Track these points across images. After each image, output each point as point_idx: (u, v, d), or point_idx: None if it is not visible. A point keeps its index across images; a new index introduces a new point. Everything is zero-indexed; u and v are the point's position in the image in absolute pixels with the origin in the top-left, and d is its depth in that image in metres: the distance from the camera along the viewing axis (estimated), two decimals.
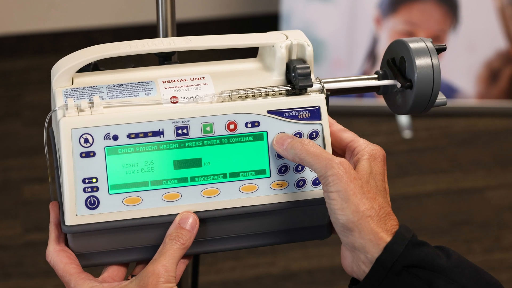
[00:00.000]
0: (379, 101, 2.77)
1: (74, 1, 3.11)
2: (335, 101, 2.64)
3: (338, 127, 0.88)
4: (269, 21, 3.05)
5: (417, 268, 0.78)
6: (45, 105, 2.79)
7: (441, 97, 0.89)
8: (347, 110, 2.77)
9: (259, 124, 0.85)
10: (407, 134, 2.73)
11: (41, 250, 2.20)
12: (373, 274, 0.79)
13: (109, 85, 0.85)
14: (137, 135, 0.82)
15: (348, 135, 0.87)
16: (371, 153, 0.84)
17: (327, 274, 2.17)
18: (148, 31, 3.09)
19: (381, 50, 2.73)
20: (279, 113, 0.85)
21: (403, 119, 2.75)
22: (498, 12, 2.71)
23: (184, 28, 3.06)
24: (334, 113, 0.88)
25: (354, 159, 0.85)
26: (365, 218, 0.79)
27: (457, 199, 2.46)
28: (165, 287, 0.79)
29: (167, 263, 0.81)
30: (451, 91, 2.77)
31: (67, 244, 0.86)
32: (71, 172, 0.81)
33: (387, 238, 0.79)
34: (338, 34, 2.73)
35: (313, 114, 0.86)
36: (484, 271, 0.80)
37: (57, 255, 0.84)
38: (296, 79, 0.85)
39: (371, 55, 2.75)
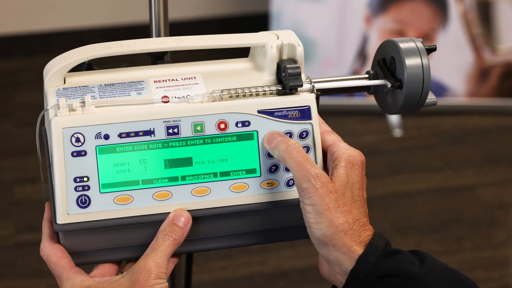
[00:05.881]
0: (370, 100, 2.77)
1: (65, 2, 3.10)
2: (325, 100, 2.64)
3: (324, 128, 0.88)
4: (259, 21, 3.05)
5: (391, 277, 0.79)
6: (36, 106, 2.79)
7: (431, 97, 0.90)
8: (338, 109, 2.78)
9: (249, 123, 0.85)
10: (397, 132, 2.73)
11: (33, 250, 2.20)
12: (348, 286, 0.80)
13: (100, 85, 0.85)
14: (128, 135, 0.83)
15: (330, 138, 0.87)
16: (349, 160, 0.84)
17: (318, 273, 2.16)
18: (139, 31, 3.09)
19: (371, 49, 2.74)
20: (270, 113, 0.85)
21: (394, 118, 2.75)
22: (461, 18, 2.71)
23: (174, 28, 3.05)
24: (324, 112, 0.89)
25: (333, 164, 0.85)
26: (339, 233, 0.80)
27: (448, 197, 2.46)
28: (155, 283, 0.80)
29: (159, 259, 0.81)
30: (441, 90, 2.78)
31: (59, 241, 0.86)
32: (63, 171, 0.82)
33: (360, 250, 0.80)
34: (328, 33, 2.74)
35: (303, 113, 0.86)
36: (460, 273, 0.80)
37: (51, 249, 0.84)
38: (286, 79, 0.85)
39: (361, 54, 2.76)
